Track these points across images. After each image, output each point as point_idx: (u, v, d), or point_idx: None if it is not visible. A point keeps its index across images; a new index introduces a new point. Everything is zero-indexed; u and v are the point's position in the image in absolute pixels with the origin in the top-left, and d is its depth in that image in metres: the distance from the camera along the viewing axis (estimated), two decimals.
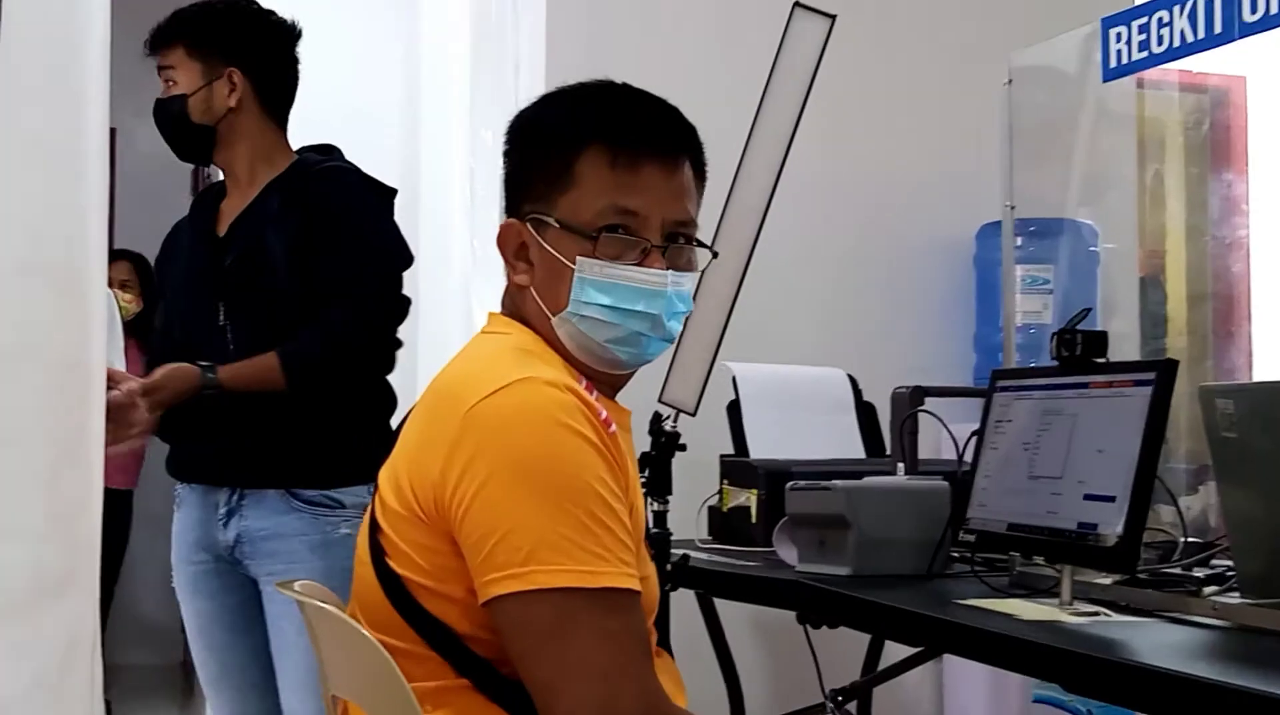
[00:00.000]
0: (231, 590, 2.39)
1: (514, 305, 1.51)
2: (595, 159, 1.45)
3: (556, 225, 1.45)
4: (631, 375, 1.54)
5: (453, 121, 3.65)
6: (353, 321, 2.28)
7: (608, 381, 1.51)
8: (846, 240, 3.78)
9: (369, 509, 1.47)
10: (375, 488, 1.47)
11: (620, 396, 1.54)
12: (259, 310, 2.31)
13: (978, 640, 1.71)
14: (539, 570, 1.28)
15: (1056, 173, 3.70)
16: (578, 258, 1.44)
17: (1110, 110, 3.86)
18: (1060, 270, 3.71)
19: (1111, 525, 1.73)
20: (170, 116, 2.40)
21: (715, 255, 1.53)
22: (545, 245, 1.45)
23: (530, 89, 3.24)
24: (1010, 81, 2.85)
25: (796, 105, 2.32)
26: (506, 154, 1.53)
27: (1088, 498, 1.79)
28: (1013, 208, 2.86)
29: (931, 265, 3.88)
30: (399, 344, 2.40)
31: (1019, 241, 3.25)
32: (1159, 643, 1.61)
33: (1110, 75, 2.60)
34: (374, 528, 1.43)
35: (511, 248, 1.48)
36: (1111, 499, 1.75)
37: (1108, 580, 1.88)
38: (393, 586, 1.39)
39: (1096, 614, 1.77)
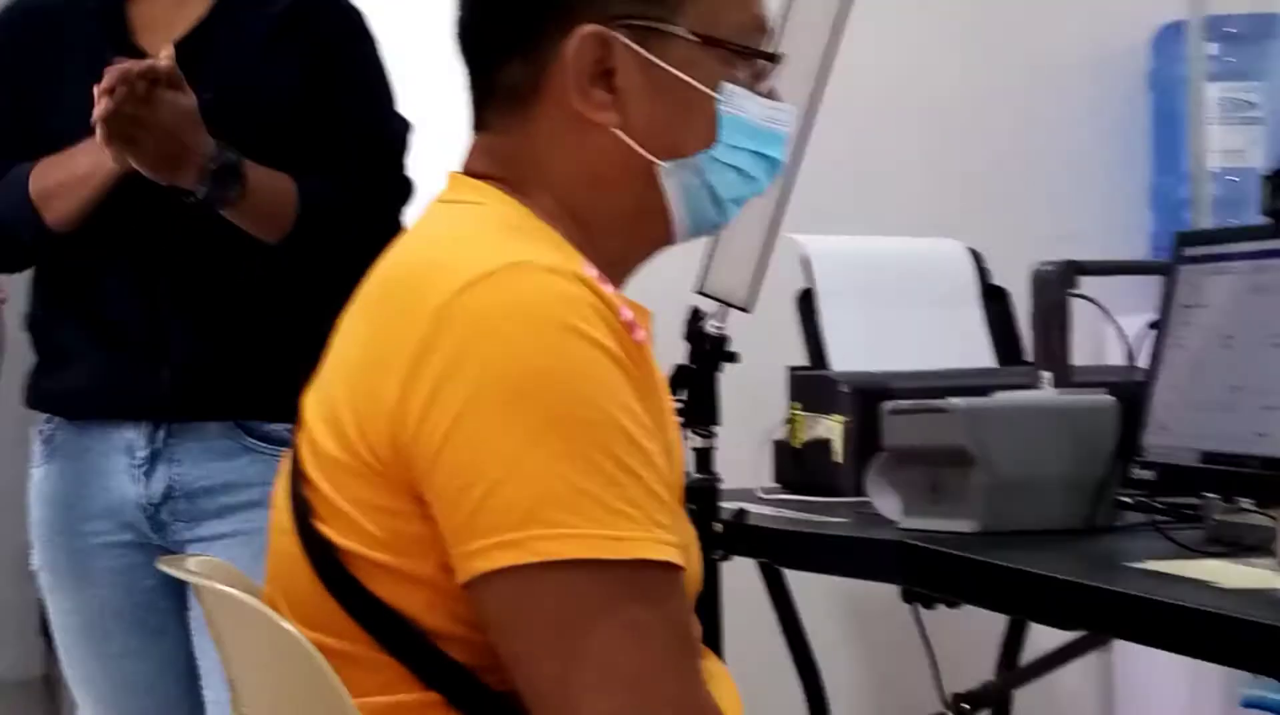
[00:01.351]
0: (141, 571, 2.38)
1: (516, 161, 1.50)
2: None
3: (689, 38, 1.46)
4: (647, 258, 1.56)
5: None
6: (376, 181, 2.39)
7: (621, 266, 1.52)
8: (960, 53, 3.76)
9: (289, 453, 1.48)
10: (298, 421, 1.48)
11: (634, 285, 1.55)
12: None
13: (1160, 620, 1.71)
14: (542, 535, 1.28)
15: None
16: (724, 85, 1.48)
17: None
18: (1274, 90, 3.68)
19: None
20: None
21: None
22: (666, 66, 1.47)
23: None
24: None
25: None
26: None
27: None
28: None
29: (1085, 87, 3.85)
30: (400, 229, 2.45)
31: (1214, 49, 3.22)
32: None
33: None
34: (297, 479, 1.44)
35: (588, 68, 1.48)
36: None
37: None
38: (328, 564, 1.39)
39: None
